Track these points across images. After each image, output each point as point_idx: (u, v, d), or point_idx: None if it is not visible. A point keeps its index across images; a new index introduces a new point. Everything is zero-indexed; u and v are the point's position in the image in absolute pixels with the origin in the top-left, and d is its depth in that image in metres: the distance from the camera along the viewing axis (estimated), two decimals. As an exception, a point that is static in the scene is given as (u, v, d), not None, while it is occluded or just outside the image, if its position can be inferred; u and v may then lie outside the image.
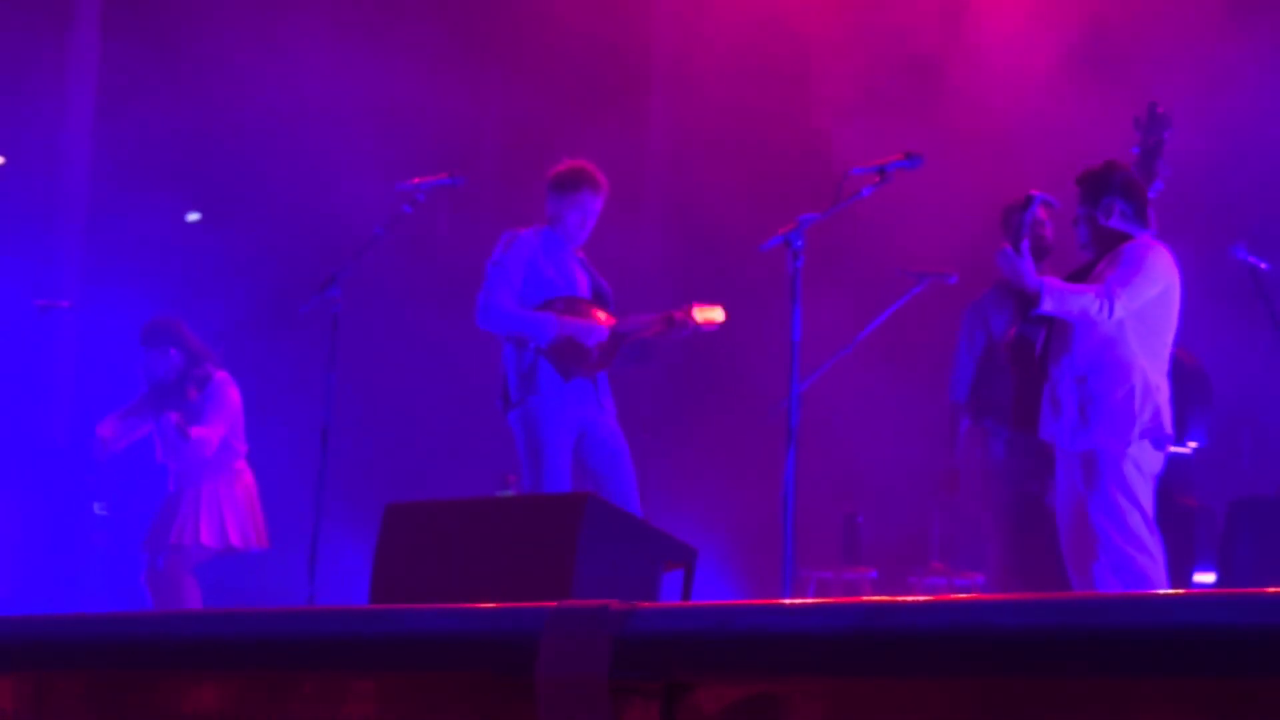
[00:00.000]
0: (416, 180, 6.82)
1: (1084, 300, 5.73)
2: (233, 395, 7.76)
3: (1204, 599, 1.95)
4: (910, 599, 2.06)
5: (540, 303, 6.71)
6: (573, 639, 2.22)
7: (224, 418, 7.68)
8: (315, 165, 9.97)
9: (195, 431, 7.53)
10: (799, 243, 5.57)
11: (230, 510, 7.64)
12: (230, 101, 10.21)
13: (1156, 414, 5.77)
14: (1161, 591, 3.53)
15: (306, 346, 8.61)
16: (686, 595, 4.59)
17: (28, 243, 9.96)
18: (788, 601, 2.20)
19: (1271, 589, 1.89)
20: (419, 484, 9.73)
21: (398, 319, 10.62)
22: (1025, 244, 5.80)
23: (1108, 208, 5.92)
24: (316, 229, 9.42)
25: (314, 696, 2.56)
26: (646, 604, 2.24)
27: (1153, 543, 5.73)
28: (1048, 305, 5.74)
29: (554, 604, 2.30)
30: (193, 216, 11.00)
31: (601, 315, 6.80)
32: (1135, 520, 5.71)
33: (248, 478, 7.80)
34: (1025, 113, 8.68)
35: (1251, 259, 6.65)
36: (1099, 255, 5.96)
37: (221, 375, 7.76)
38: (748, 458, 8.80)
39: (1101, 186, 5.96)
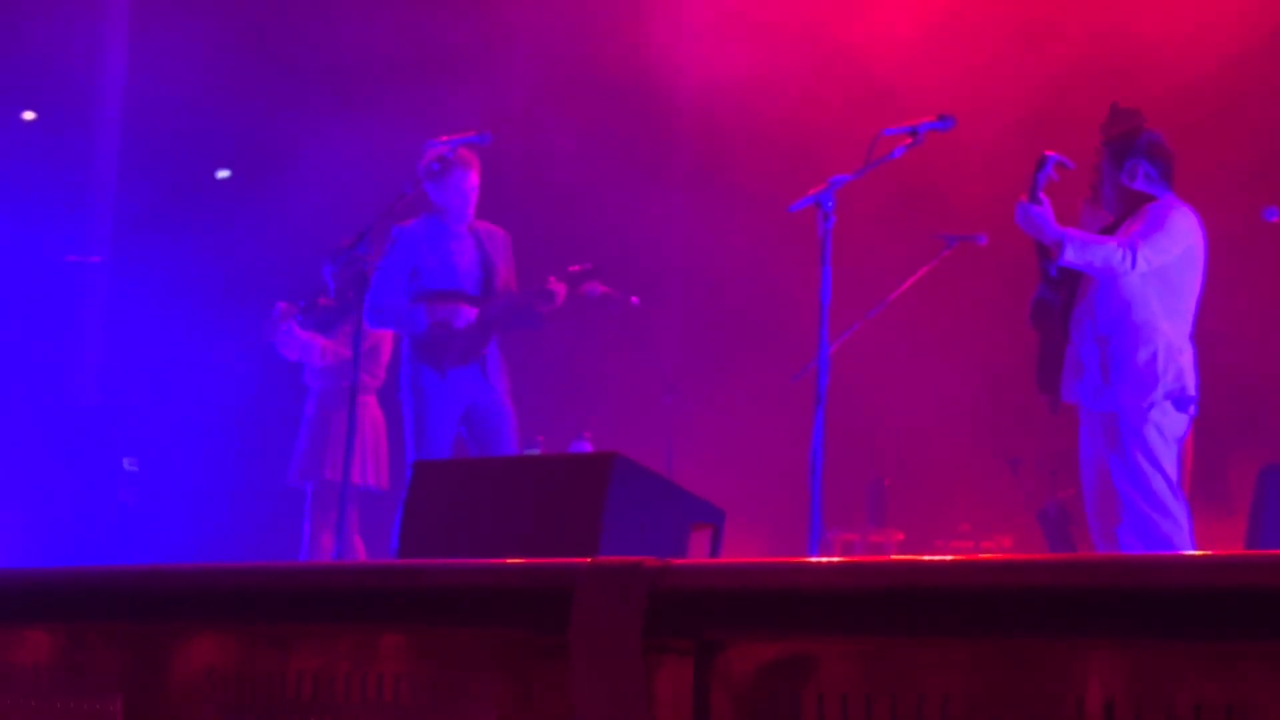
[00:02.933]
0: (445, 137, 6.83)
1: (1106, 250, 5.71)
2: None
3: (1231, 561, 1.94)
4: (947, 558, 2.05)
5: (419, 293, 6.97)
6: (608, 595, 2.20)
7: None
8: (346, 121, 9.96)
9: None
10: (829, 204, 5.52)
11: (371, 445, 7.72)
12: (261, 57, 10.20)
13: (1179, 376, 5.74)
14: (1191, 553, 3.51)
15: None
16: (714, 556, 4.59)
17: (59, 198, 9.98)
18: (825, 560, 2.20)
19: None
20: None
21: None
22: (1043, 195, 5.78)
23: (1131, 170, 5.89)
24: (345, 186, 9.41)
25: (347, 651, 2.57)
26: (681, 560, 2.23)
27: (1177, 507, 5.70)
28: (1069, 255, 5.71)
29: (588, 560, 2.29)
30: (223, 174, 11.01)
31: (467, 302, 7.00)
32: (1158, 483, 5.69)
33: (376, 411, 7.90)
34: (1056, 70, 8.62)
35: (1285, 222, 6.58)
36: (1121, 217, 5.92)
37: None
38: (776, 420, 8.78)
39: (1127, 148, 5.92)
